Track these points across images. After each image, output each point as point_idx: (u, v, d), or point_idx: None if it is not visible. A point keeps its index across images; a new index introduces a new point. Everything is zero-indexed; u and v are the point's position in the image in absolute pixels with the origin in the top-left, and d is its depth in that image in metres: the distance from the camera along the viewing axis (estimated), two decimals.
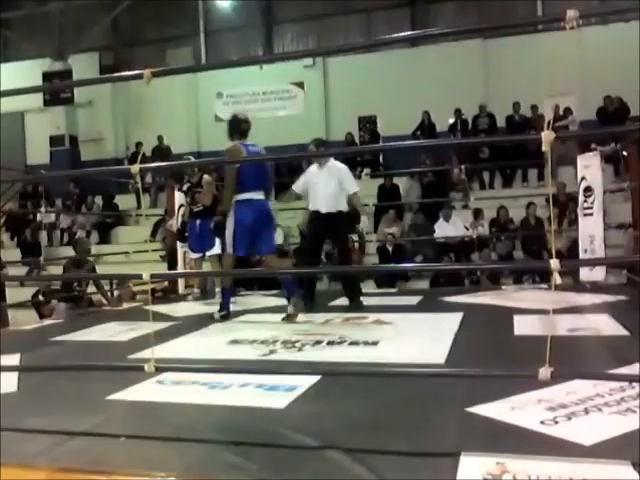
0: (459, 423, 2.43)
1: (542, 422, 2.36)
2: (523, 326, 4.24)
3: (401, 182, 10.75)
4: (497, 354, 3.60)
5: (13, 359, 3.92)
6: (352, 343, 4.02)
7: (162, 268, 7.84)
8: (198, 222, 6.65)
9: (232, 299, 5.62)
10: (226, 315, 5.30)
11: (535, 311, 4.67)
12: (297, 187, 6.08)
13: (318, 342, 4.09)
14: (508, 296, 5.94)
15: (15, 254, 10.99)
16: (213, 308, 5.88)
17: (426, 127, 11.72)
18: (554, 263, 2.22)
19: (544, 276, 7.34)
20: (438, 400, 2.71)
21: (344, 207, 5.85)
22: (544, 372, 2.25)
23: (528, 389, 2.62)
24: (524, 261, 7.99)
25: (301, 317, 5.06)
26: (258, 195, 5.12)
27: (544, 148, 2.20)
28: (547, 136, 2.22)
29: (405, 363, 3.30)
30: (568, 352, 3.18)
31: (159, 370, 2.78)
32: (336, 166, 5.89)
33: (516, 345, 3.83)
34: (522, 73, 11.71)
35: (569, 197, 8.01)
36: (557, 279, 2.19)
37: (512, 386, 2.68)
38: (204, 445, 2.33)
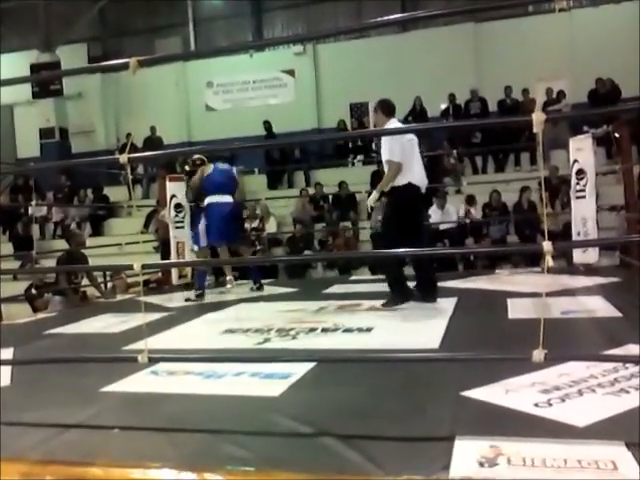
0: (453, 407, 2.44)
1: (536, 404, 2.37)
2: (516, 309, 4.26)
3: None
4: (491, 338, 3.61)
5: (7, 353, 3.90)
6: (346, 330, 4.03)
7: (155, 259, 7.81)
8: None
9: (224, 288, 6.37)
10: (201, 294, 6.03)
11: (528, 294, 4.68)
12: (398, 155, 4.71)
13: (312, 330, 4.09)
14: (502, 280, 5.96)
15: (7, 248, 10.93)
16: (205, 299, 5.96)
17: (418, 112, 11.67)
18: (546, 245, 2.22)
19: (538, 259, 7.36)
20: (432, 385, 2.72)
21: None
22: (538, 354, 2.25)
23: (522, 372, 2.63)
24: (517, 244, 8.00)
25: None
26: (224, 197, 6.15)
27: (535, 130, 2.19)
28: (538, 117, 2.20)
29: (399, 349, 3.30)
30: (561, 334, 3.19)
31: (153, 361, 2.77)
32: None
33: (510, 328, 3.84)
34: (513, 57, 11.66)
35: (562, 180, 8.01)
36: (550, 262, 2.18)
37: (506, 369, 2.69)
38: (199, 435, 2.32)
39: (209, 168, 6.32)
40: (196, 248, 6.54)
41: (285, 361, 3.06)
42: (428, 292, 4.83)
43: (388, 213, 4.96)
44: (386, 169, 4.77)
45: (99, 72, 12.55)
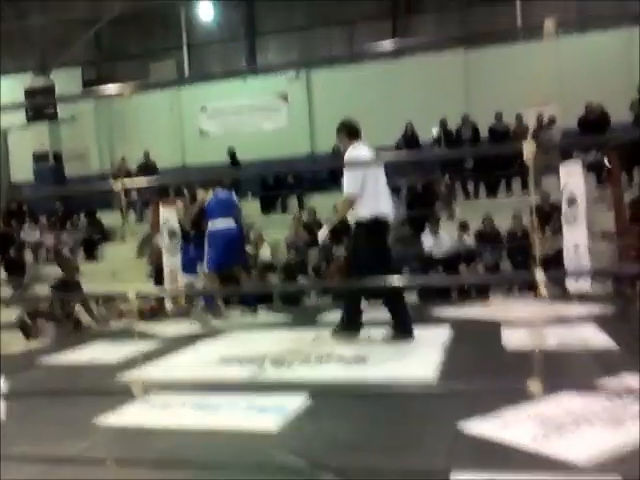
0: (449, 441, 2.44)
1: (533, 438, 2.37)
2: (511, 339, 4.26)
3: None
4: (487, 368, 3.61)
5: None
6: (341, 360, 4.02)
7: (149, 286, 7.78)
8: None
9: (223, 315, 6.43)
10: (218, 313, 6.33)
11: (523, 323, 4.68)
12: (354, 187, 4.38)
13: (307, 359, 4.08)
14: (496, 308, 5.96)
15: None
16: (199, 326, 5.96)
17: (409, 138, 11.77)
18: (539, 274, 2.23)
19: (531, 286, 7.37)
20: (429, 417, 2.72)
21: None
22: (534, 386, 2.26)
23: (518, 404, 2.63)
24: (511, 272, 8.02)
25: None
26: (227, 222, 6.30)
27: (526, 158, 2.21)
28: (529, 146, 2.23)
29: (394, 381, 3.29)
30: (557, 365, 3.19)
31: (147, 392, 2.75)
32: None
33: (505, 359, 3.84)
34: (503, 83, 11.81)
35: (553, 206, 8.07)
36: (543, 291, 2.19)
37: (503, 401, 2.69)
38: (194, 471, 2.31)
39: (209, 195, 6.45)
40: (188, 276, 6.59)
41: (280, 393, 3.04)
42: (402, 329, 4.50)
43: (355, 247, 4.63)
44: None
45: (94, 98, 12.57)
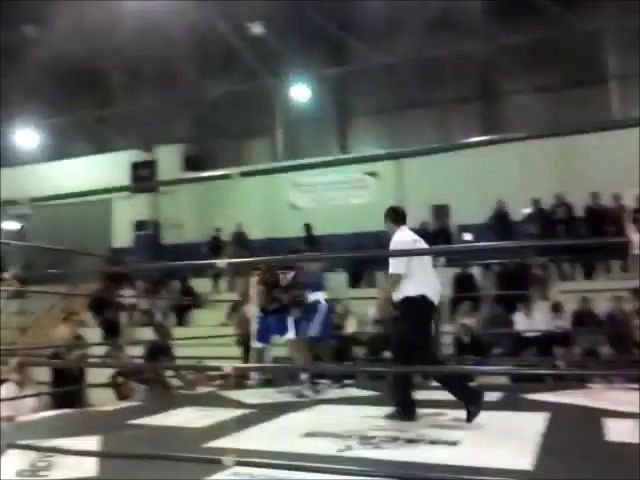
0: None
1: None
2: (615, 431, 3.98)
3: (477, 270, 10.59)
4: (588, 461, 3.37)
5: (93, 441, 3.98)
6: (431, 442, 3.87)
7: (236, 352, 7.89)
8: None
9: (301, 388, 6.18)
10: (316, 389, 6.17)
11: (628, 414, 4.38)
12: (400, 267, 4.50)
13: (395, 439, 3.96)
14: (596, 396, 5.61)
15: (95, 333, 11.39)
16: (285, 396, 5.92)
17: (500, 216, 11.62)
18: None
19: (636, 375, 6.92)
20: None
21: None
22: None
23: None
24: (615, 361, 7.56)
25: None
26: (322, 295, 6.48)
27: (635, 251, 2.14)
28: (637, 239, 2.15)
29: (489, 468, 3.13)
30: None
31: (238, 464, 2.76)
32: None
33: (608, 452, 3.58)
34: (599, 164, 11.53)
35: None
36: None
37: None
38: None
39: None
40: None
41: (371, 475, 2.95)
42: (469, 404, 4.35)
43: (401, 327, 4.66)
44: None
45: (206, 181, 13.23)
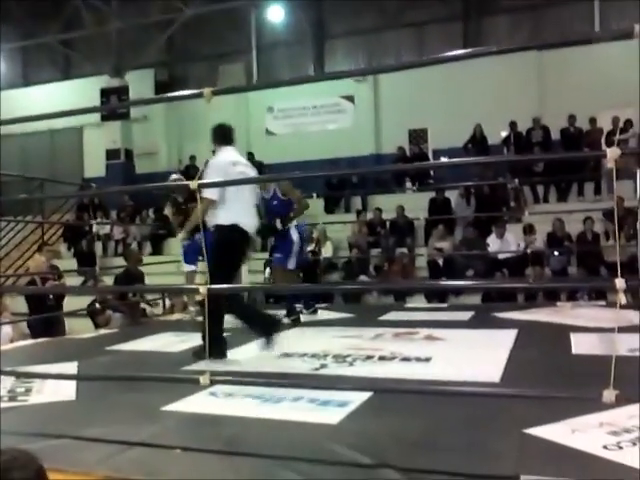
0: (517, 445, 2.37)
1: (605, 447, 2.28)
2: (581, 345, 4.12)
3: (452, 195, 10.63)
4: (555, 373, 3.50)
5: (71, 367, 4.03)
6: (404, 359, 3.98)
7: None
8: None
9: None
10: (297, 319, 6.01)
11: (593, 329, 4.53)
12: (212, 193, 4.15)
13: (369, 357, 4.07)
14: (564, 313, 5.79)
15: (72, 264, 11.34)
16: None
17: (477, 140, 11.57)
18: (619, 282, 2.15)
19: (602, 292, 7.13)
20: (494, 420, 2.65)
21: None
22: (608, 395, 2.17)
23: (589, 411, 2.54)
24: (585, 279, 7.75)
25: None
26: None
27: (609, 165, 2.14)
28: (612, 153, 2.15)
29: (459, 381, 3.24)
30: (628, 373, 3.06)
31: (213, 383, 2.81)
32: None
33: (574, 364, 3.72)
34: (578, 84, 11.42)
35: (627, 211, 7.77)
36: (622, 299, 2.11)
37: (571, 408, 2.59)
38: (258, 460, 2.33)
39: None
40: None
41: (343, 389, 3.04)
42: (263, 334, 4.19)
43: (213, 253, 4.10)
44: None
45: (173, 101, 12.87)
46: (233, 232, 4.23)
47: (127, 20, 14.13)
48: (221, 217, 4.21)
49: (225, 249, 4.21)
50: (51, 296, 6.56)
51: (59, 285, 6.96)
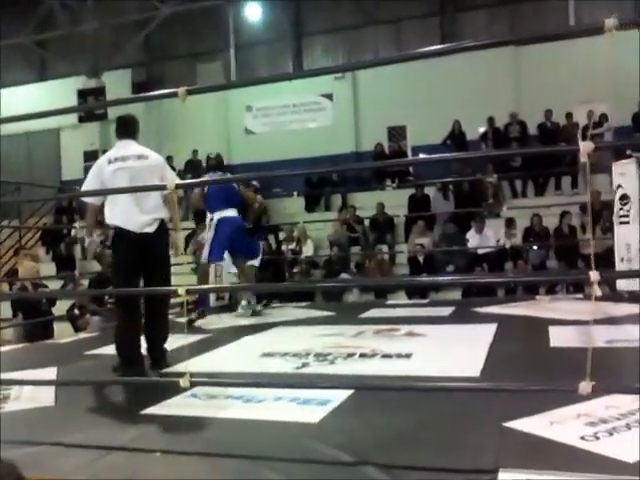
0: (496, 438, 2.39)
1: (582, 438, 2.31)
2: (559, 338, 4.17)
3: (432, 192, 10.68)
4: (533, 366, 3.54)
5: (50, 372, 3.99)
6: (385, 356, 4.00)
7: (193, 281, 7.89)
8: None
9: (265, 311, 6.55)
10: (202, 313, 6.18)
11: (571, 322, 4.58)
12: (92, 198, 4.05)
13: (350, 355, 4.07)
14: (542, 306, 5.85)
15: (50, 268, 11.21)
16: (243, 321, 6.02)
17: (456, 136, 11.64)
18: (594, 275, 2.18)
19: (579, 285, 7.21)
20: (474, 414, 2.67)
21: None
22: (585, 387, 2.21)
23: (566, 403, 2.57)
24: (561, 272, 7.85)
25: None
26: (230, 212, 6.21)
27: (583, 159, 2.17)
28: (586, 147, 2.18)
29: (439, 377, 3.25)
30: (606, 364, 3.11)
31: (194, 385, 2.80)
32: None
33: (553, 357, 3.77)
34: (553, 80, 11.55)
35: (603, 205, 7.87)
36: (597, 291, 2.14)
37: (549, 400, 2.63)
38: (239, 460, 2.33)
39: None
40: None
41: (324, 387, 3.04)
42: (157, 357, 3.96)
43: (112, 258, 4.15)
44: None
45: (148, 101, 12.78)
46: (118, 234, 3.96)
47: (103, 20, 13.99)
48: (108, 220, 3.97)
49: (114, 253, 4.07)
50: (44, 300, 6.54)
51: (42, 290, 6.90)
